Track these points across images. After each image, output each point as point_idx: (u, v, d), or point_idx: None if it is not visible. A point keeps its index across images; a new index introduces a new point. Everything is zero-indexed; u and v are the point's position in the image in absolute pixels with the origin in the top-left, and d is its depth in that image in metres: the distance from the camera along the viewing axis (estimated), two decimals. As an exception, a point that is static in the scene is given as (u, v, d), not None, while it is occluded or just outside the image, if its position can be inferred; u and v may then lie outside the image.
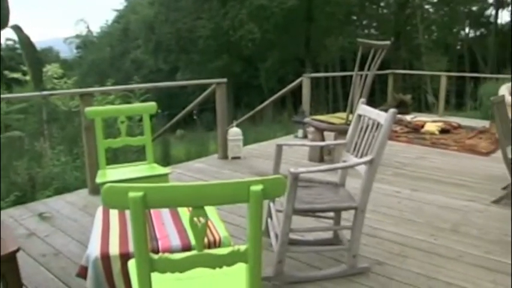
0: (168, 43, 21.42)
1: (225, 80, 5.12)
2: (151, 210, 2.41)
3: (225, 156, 5.19)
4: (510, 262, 2.70)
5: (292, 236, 2.72)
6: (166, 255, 1.37)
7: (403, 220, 3.38)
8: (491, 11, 25.04)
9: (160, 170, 3.24)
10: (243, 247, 1.39)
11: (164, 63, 21.99)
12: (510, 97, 6.21)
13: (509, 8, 23.56)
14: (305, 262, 2.67)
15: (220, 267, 1.40)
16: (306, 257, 2.71)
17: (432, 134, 6.59)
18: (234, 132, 5.17)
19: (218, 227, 2.19)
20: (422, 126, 6.86)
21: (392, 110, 2.22)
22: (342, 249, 2.59)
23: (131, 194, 1.27)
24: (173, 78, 19.92)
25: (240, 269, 1.47)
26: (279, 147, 2.70)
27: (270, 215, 2.75)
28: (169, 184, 1.34)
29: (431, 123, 6.94)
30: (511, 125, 4.09)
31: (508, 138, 3.86)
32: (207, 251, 1.41)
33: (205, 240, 2.08)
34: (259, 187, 1.29)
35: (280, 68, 20.55)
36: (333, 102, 21.21)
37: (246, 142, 5.90)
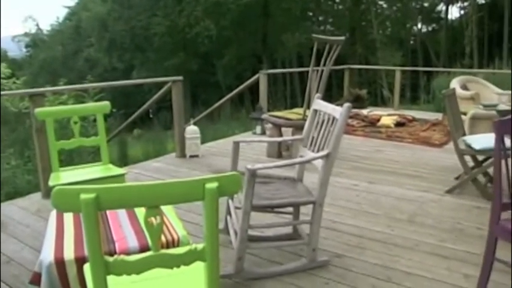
0: (122, 41, 20.91)
1: (180, 77, 5.06)
2: (108, 212, 2.35)
3: (182, 155, 5.14)
4: (463, 249, 2.82)
5: (252, 232, 2.73)
6: (122, 257, 1.34)
7: (361, 212, 3.46)
8: (441, 7, 26.06)
9: (116, 170, 3.17)
10: (200, 246, 1.38)
11: (119, 61, 21.46)
12: (461, 90, 6.49)
13: (458, 4, 24.58)
14: (265, 258, 2.68)
15: (178, 266, 1.39)
16: (266, 252, 2.72)
17: (388, 127, 6.77)
18: (192, 130, 5.13)
19: (176, 226, 2.17)
20: (378, 120, 7.05)
21: (346, 105, 2.26)
22: (301, 243, 2.62)
23: (83, 196, 1.23)
24: (129, 76, 19.47)
25: (199, 268, 1.46)
26: (236, 144, 2.70)
27: (229, 212, 2.75)
28: (122, 185, 1.31)
29: (386, 117, 7.13)
30: (461, 117, 4.28)
31: (459, 130, 4.03)
32: (163, 251, 1.39)
33: (163, 240, 2.05)
34: (214, 184, 1.28)
35: (237, 65, 20.52)
36: (291, 98, 21.42)
37: (204, 140, 5.86)
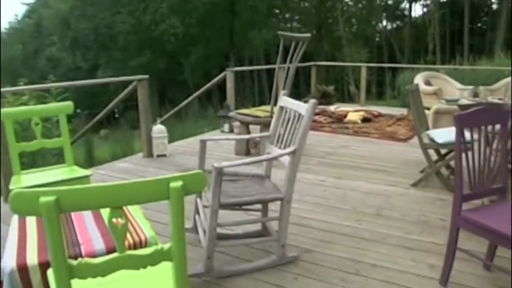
0: (86, 39, 20.41)
1: (146, 76, 4.99)
2: (72, 214, 2.29)
3: (150, 155, 5.07)
4: (428, 240, 2.90)
5: (221, 230, 2.72)
6: (86, 260, 1.30)
7: (329, 208, 3.50)
8: (405, 5, 26.73)
9: (81, 172, 3.10)
10: (166, 245, 1.36)
11: (83, 60, 20.95)
12: (424, 86, 6.67)
13: (421, 1, 25.27)
14: (235, 256, 2.68)
15: (144, 267, 1.37)
16: (235, 250, 2.72)
17: (354, 123, 6.89)
18: (159, 129, 5.06)
19: (144, 227, 2.13)
20: (345, 116, 7.15)
21: (312, 101, 2.28)
22: (270, 240, 2.63)
23: (42, 199, 1.20)
24: (94, 76, 19.05)
25: (167, 268, 1.44)
26: (203, 143, 2.68)
27: (197, 211, 2.73)
28: (83, 186, 1.27)
29: (353, 113, 7.25)
30: (425, 112, 4.39)
31: (422, 125, 4.14)
32: (129, 252, 1.36)
33: (131, 241, 2.02)
34: (178, 183, 1.27)
35: (205, 63, 20.41)
36: (260, 95, 21.50)
37: (172, 139, 5.79)
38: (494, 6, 25.51)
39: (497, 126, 2.35)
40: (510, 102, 4.27)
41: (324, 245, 2.84)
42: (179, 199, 1.28)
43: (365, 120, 7.07)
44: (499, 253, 2.47)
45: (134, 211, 2.29)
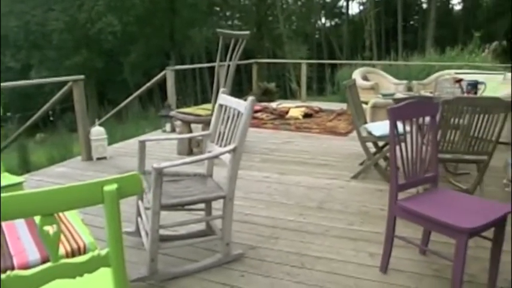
0: (15, 38, 19.22)
1: (82, 76, 4.78)
2: (3, 224, 2.15)
3: (89, 158, 4.87)
4: (368, 230, 3.01)
5: (164, 232, 2.67)
6: (16, 272, 1.23)
7: (273, 203, 3.54)
8: (342, 2, 27.56)
9: (12, 179, 2.93)
10: (103, 251, 1.31)
11: (14, 60, 19.72)
12: (362, 81, 6.89)
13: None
14: (180, 257, 2.64)
15: (81, 275, 1.31)
16: (180, 251, 2.68)
17: (296, 119, 7.00)
18: (97, 131, 4.87)
19: (82, 233, 2.04)
20: (287, 112, 7.26)
21: (250, 98, 2.29)
22: (215, 239, 2.61)
23: (-39, 211, 1.11)
24: (26, 77, 18.01)
25: (106, 274, 1.39)
26: (142, 144, 2.61)
27: (139, 214, 2.66)
28: (9, 194, 1.19)
29: (295, 109, 7.37)
30: (362, 106, 4.54)
31: (360, 119, 4.28)
32: (64, 260, 1.30)
33: (68, 248, 1.93)
34: (113, 186, 1.22)
35: (145, 62, 19.92)
36: (202, 94, 21.35)
37: (112, 141, 5.61)
38: (424, 6, 26.94)
39: (428, 119, 2.48)
40: (440, 95, 4.51)
41: (269, 241, 2.86)
42: (114, 203, 1.23)
43: (306, 116, 7.21)
44: (433, 238, 2.61)
45: (71, 217, 2.19)
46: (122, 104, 7.29)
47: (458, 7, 27.56)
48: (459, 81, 4.39)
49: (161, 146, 5.24)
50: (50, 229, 1.24)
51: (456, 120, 3.13)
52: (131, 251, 2.65)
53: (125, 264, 1.33)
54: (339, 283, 2.36)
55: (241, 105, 2.35)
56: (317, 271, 2.49)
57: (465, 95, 4.28)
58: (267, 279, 2.40)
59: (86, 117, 4.88)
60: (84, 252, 1.96)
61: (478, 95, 4.38)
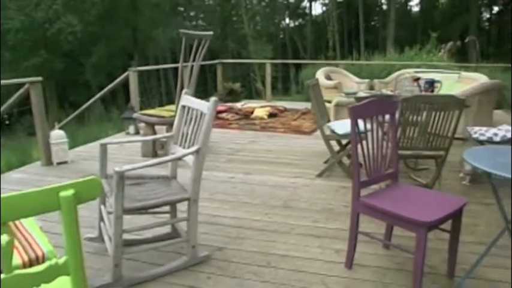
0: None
1: (39, 78, 4.62)
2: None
3: (49, 163, 4.71)
4: (333, 227, 3.05)
5: (129, 236, 2.62)
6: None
7: (239, 204, 3.53)
8: (306, 3, 27.87)
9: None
10: (61, 259, 1.26)
11: (-34, 62, 18.88)
12: (325, 80, 6.98)
13: (320, 0, 26.56)
14: (145, 261, 2.59)
15: (38, 285, 1.26)
16: (145, 255, 2.63)
17: (261, 118, 7.03)
18: (57, 135, 4.72)
19: (40, 242, 1.97)
20: (252, 112, 7.27)
21: (213, 99, 2.27)
22: (181, 241, 2.58)
23: None
24: (-19, 79, 17.22)
25: (65, 283, 1.34)
26: (103, 147, 2.56)
27: (102, 219, 2.60)
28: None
29: (259, 109, 7.39)
30: (326, 105, 4.60)
31: (324, 117, 4.33)
32: (18, 271, 1.24)
33: (26, 258, 1.86)
34: (69, 192, 1.18)
35: (107, 63, 19.48)
36: (167, 95, 21.08)
37: (74, 144, 5.46)
38: (384, 7, 27.63)
39: (388, 116, 2.54)
40: (400, 93, 4.63)
41: (235, 241, 2.86)
42: (71, 208, 1.19)
43: (271, 115, 7.25)
44: (396, 232, 2.67)
45: (29, 225, 2.11)
46: (84, 106, 7.11)
47: (416, 8, 28.42)
48: (417, 79, 4.53)
49: (126, 149, 5.14)
50: (2, 238, 1.19)
51: (415, 117, 3.22)
52: (94, 258, 2.59)
53: (84, 271, 1.30)
54: (305, 280, 2.38)
55: (204, 106, 2.33)
56: (283, 270, 2.50)
57: (423, 93, 4.42)
58: (234, 280, 2.40)
59: (45, 121, 4.72)
60: (43, 261, 1.89)
61: (435, 93, 4.53)
